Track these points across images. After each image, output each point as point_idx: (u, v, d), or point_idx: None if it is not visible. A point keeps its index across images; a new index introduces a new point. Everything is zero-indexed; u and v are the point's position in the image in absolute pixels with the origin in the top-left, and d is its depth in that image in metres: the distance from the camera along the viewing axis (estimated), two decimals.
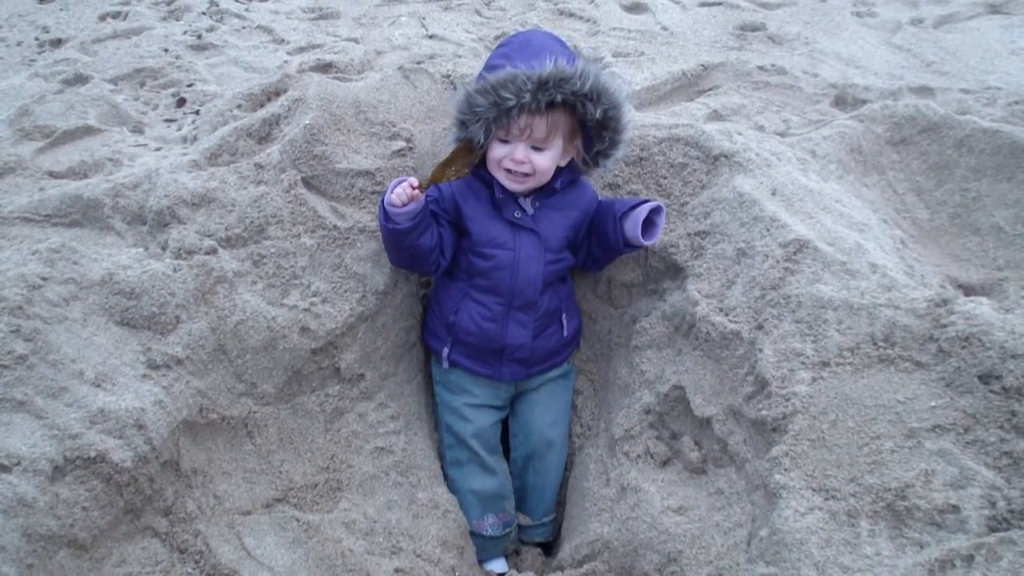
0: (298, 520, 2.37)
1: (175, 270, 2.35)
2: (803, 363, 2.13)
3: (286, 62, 4.07)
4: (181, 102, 3.67)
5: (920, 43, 4.52)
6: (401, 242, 2.53)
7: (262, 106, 3.06)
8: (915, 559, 1.74)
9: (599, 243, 2.72)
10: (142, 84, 3.90)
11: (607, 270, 2.89)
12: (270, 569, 2.23)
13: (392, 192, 2.43)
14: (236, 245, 2.52)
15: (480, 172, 2.61)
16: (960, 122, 2.94)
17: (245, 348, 2.42)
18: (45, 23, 4.53)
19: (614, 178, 2.85)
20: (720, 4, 5.02)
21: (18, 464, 1.85)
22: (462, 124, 2.47)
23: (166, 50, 4.20)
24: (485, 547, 2.81)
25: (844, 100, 3.66)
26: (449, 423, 2.82)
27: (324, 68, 3.85)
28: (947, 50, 4.42)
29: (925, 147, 2.97)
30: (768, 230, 2.43)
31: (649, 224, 2.59)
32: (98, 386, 2.07)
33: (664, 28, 4.61)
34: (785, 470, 1.98)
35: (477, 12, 4.84)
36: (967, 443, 1.87)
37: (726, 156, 2.70)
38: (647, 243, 2.59)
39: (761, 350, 2.23)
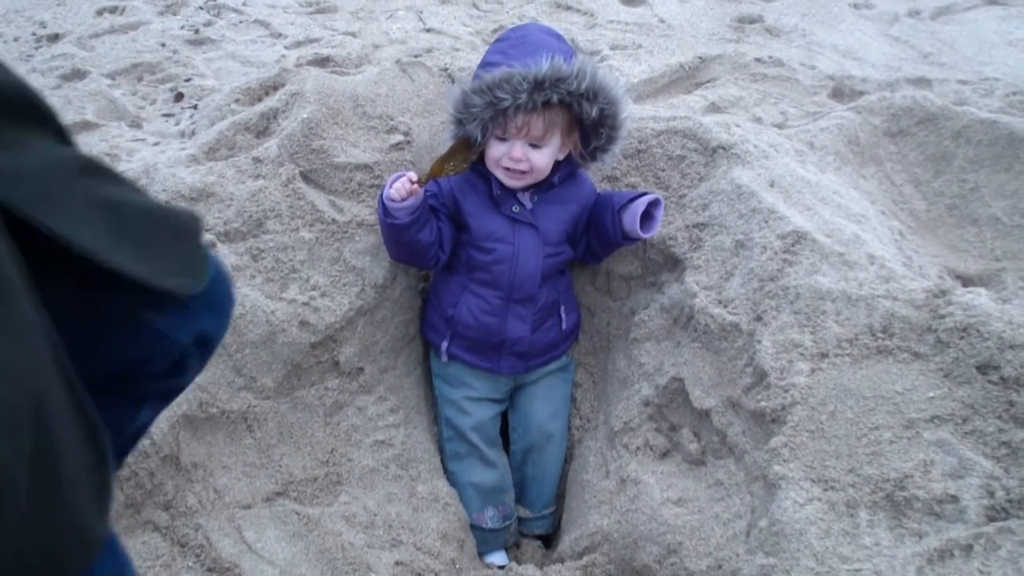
0: (298, 514, 2.37)
1: None
2: (802, 354, 2.13)
3: (284, 56, 4.07)
4: (179, 97, 3.67)
5: (917, 34, 4.52)
6: (400, 237, 2.53)
7: (260, 100, 3.06)
8: (914, 549, 1.75)
9: (597, 236, 2.72)
10: (140, 79, 3.90)
11: (606, 263, 2.89)
12: (270, 562, 2.23)
13: (391, 187, 2.43)
14: (235, 239, 2.52)
15: (478, 167, 2.61)
16: (957, 113, 2.95)
17: (244, 342, 2.42)
18: (42, 18, 4.53)
19: (612, 170, 2.86)
20: None
21: None
22: (459, 122, 2.47)
23: (163, 45, 4.20)
24: (485, 540, 2.82)
25: (841, 92, 3.66)
26: (448, 416, 2.83)
27: (322, 62, 3.85)
28: (944, 41, 4.41)
29: (923, 138, 2.97)
30: (766, 222, 2.43)
31: (647, 217, 2.59)
32: None
33: (661, 21, 4.61)
34: (784, 461, 1.99)
35: (474, 5, 4.83)
36: (965, 433, 1.88)
37: (724, 148, 2.71)
38: (645, 236, 2.59)
39: (760, 341, 2.23)
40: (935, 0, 4.96)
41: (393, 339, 2.81)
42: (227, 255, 2.47)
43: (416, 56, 3.40)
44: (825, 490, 1.90)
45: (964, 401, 1.91)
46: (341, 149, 2.73)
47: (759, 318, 2.29)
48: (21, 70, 3.81)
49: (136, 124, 3.38)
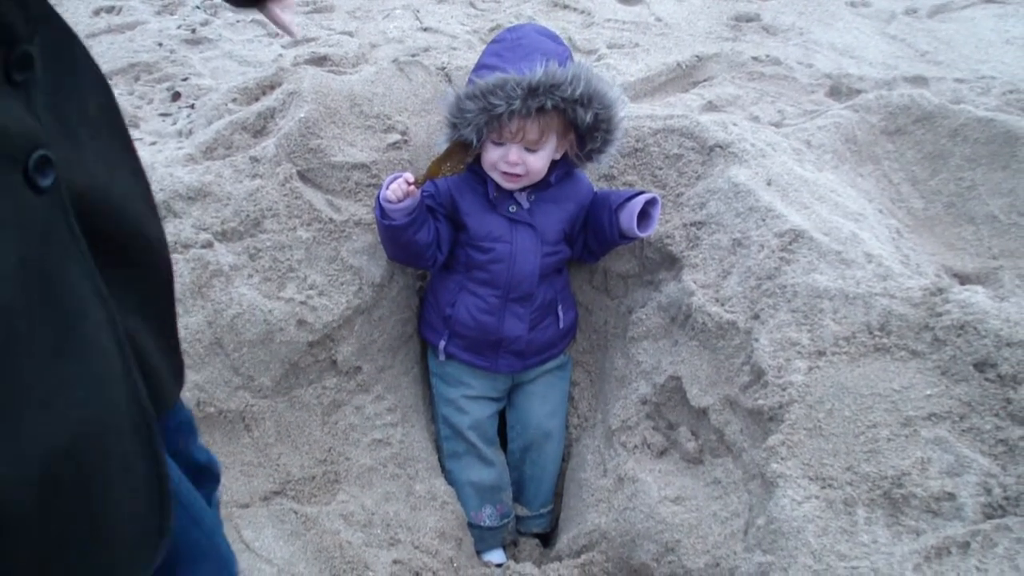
0: (296, 512, 2.37)
1: None
2: (799, 352, 2.13)
3: (281, 56, 4.06)
4: (176, 96, 3.66)
5: (914, 33, 4.52)
6: (398, 238, 2.53)
7: (257, 100, 3.05)
8: (911, 546, 1.75)
9: (595, 235, 2.72)
10: (137, 79, 3.90)
11: (603, 261, 2.89)
12: (268, 561, 2.24)
13: (387, 188, 2.43)
14: (232, 239, 2.52)
15: (475, 168, 2.61)
16: (954, 111, 2.95)
17: (242, 341, 2.42)
18: None
19: (609, 169, 2.86)
20: None
21: None
22: (453, 126, 2.47)
23: (160, 44, 4.19)
24: (483, 538, 2.82)
25: (839, 90, 3.66)
26: (446, 415, 2.83)
27: (319, 61, 3.84)
28: (941, 40, 4.42)
29: (920, 137, 2.97)
30: (763, 220, 2.43)
31: (644, 216, 2.59)
32: None
33: (658, 19, 4.61)
34: (782, 459, 1.99)
35: (471, 4, 4.83)
36: (963, 431, 1.88)
37: (721, 147, 2.71)
38: (642, 235, 2.59)
39: (757, 340, 2.23)
40: None
41: (391, 338, 2.81)
42: (224, 254, 2.47)
43: (413, 55, 3.40)
44: (823, 488, 1.91)
45: (961, 399, 1.91)
46: (338, 148, 2.73)
47: (756, 316, 2.29)
48: None
49: (133, 124, 3.38)
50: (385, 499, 2.59)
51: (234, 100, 3.08)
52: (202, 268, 2.39)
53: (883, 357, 2.05)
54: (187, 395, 2.25)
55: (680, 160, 2.77)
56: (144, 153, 2.82)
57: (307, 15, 4.73)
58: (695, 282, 2.50)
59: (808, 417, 2.02)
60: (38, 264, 0.73)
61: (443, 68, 3.20)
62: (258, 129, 2.82)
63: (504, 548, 2.91)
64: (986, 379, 1.91)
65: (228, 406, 2.40)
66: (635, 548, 2.35)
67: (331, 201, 2.70)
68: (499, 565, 2.75)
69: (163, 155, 2.71)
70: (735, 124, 2.85)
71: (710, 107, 3.44)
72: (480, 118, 2.38)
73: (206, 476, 1.44)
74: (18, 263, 0.71)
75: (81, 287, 0.78)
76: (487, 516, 2.81)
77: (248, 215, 2.54)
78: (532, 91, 2.34)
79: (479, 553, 2.82)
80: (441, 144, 2.55)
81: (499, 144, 2.49)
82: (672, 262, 2.68)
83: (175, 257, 2.36)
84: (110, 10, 4.64)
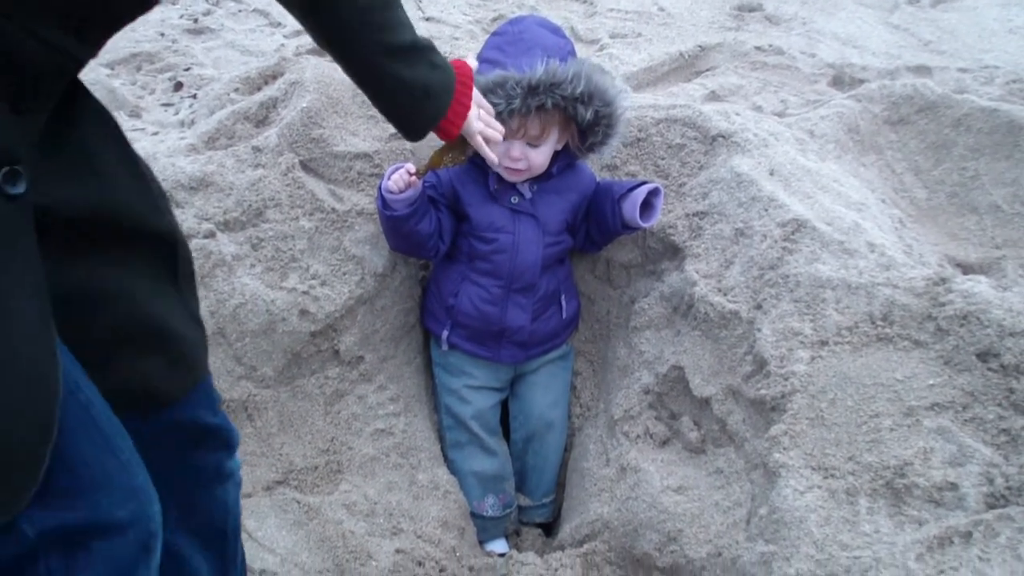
0: (299, 502, 2.38)
1: None
2: (802, 342, 2.13)
3: (283, 45, 4.06)
4: (178, 86, 3.66)
5: (917, 22, 4.51)
6: (400, 228, 2.53)
7: (259, 89, 3.05)
8: (914, 536, 1.75)
9: (597, 225, 2.72)
10: (139, 68, 3.89)
11: (605, 251, 2.89)
12: (271, 551, 2.24)
13: (389, 179, 2.43)
14: (234, 229, 2.52)
15: (476, 160, 2.60)
16: (958, 101, 2.94)
17: (244, 331, 2.42)
18: None
19: (612, 159, 2.85)
20: None
21: None
22: None
23: (162, 34, 4.19)
24: (485, 528, 2.83)
25: (842, 80, 3.66)
26: (448, 405, 2.83)
27: (321, 51, 3.84)
28: (944, 29, 4.40)
29: (923, 126, 2.97)
30: (766, 210, 2.43)
31: (647, 206, 2.59)
32: None
33: (661, 9, 4.60)
34: (784, 449, 1.99)
35: None
36: (965, 421, 1.88)
37: (724, 136, 2.70)
38: (645, 225, 2.59)
39: (760, 330, 2.23)
40: None
41: (393, 328, 2.81)
42: (227, 244, 2.47)
43: None
44: (825, 478, 1.91)
45: (964, 389, 1.91)
46: (341, 138, 2.73)
47: (759, 306, 2.29)
48: None
49: (135, 114, 3.38)
50: (388, 489, 2.59)
51: (236, 90, 3.08)
52: (204, 258, 2.39)
53: (886, 347, 2.05)
54: None
55: (683, 150, 2.77)
56: (146, 143, 2.82)
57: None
58: (697, 272, 2.50)
59: (810, 407, 2.02)
60: None
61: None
62: (260, 119, 2.82)
63: (507, 538, 2.91)
64: (989, 369, 1.91)
65: (230, 396, 2.40)
66: (637, 538, 2.36)
67: (333, 191, 2.70)
68: (502, 555, 2.76)
69: (165, 145, 2.71)
70: (738, 114, 2.85)
71: (713, 97, 3.44)
72: None
73: (213, 439, 1.48)
74: None
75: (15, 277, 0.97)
76: (489, 506, 2.81)
77: (250, 205, 2.54)
78: (532, 90, 2.34)
79: (481, 543, 2.82)
80: None
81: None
82: (675, 252, 2.68)
83: None
84: None
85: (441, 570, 2.48)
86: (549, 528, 2.98)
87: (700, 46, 3.94)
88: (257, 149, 2.63)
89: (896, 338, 2.05)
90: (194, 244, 2.39)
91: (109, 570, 1.09)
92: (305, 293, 2.52)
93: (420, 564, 2.45)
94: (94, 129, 1.22)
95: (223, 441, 1.51)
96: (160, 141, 2.85)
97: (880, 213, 2.59)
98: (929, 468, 1.82)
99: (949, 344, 1.98)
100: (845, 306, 2.14)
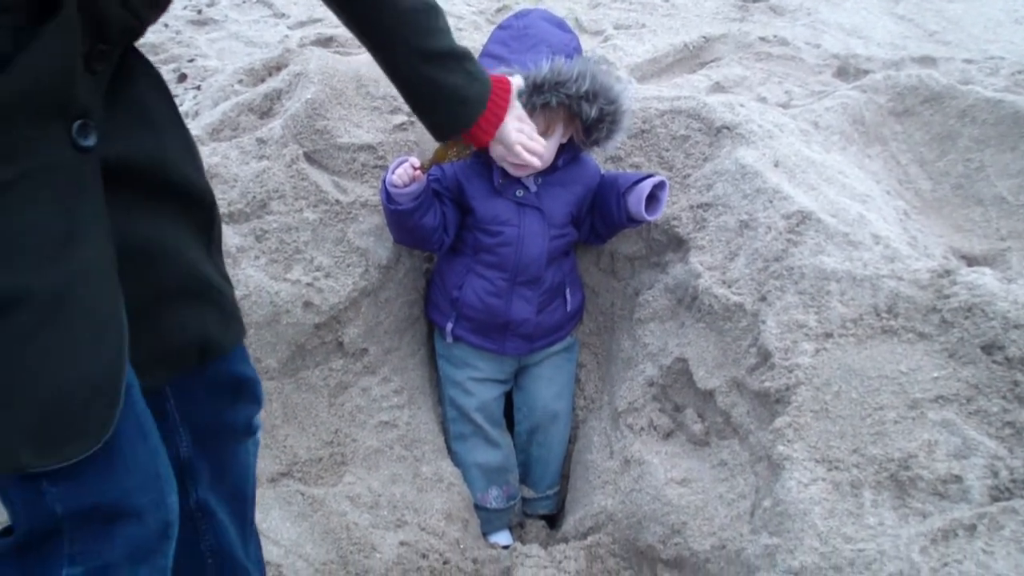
0: (303, 494, 2.38)
1: None
2: (806, 334, 2.13)
3: (287, 36, 4.05)
4: (182, 78, 3.66)
5: (923, 13, 4.50)
6: (404, 222, 2.52)
7: (263, 81, 3.05)
8: (918, 529, 1.75)
9: (602, 218, 2.71)
10: None
11: (610, 243, 2.88)
12: (276, 542, 2.24)
13: (393, 173, 2.43)
14: (239, 220, 2.52)
15: (481, 153, 2.60)
16: (963, 92, 2.93)
17: (248, 323, 2.42)
18: None
19: (616, 151, 2.84)
20: None
21: None
22: None
23: (166, 25, 4.19)
24: (489, 520, 2.83)
25: (846, 71, 3.65)
26: (453, 397, 2.83)
27: (325, 42, 3.83)
28: (950, 19, 4.39)
29: (928, 118, 2.96)
30: (771, 202, 2.43)
31: (652, 199, 2.59)
32: None
33: (665, 0, 4.59)
34: (788, 441, 1.99)
35: None
36: (970, 413, 1.88)
37: (728, 128, 2.70)
38: (650, 219, 2.58)
39: (764, 322, 2.23)
40: None
41: (397, 320, 2.81)
42: (231, 236, 2.47)
43: None
44: (829, 470, 1.91)
45: (969, 381, 1.91)
46: (345, 130, 2.73)
47: (763, 298, 2.29)
48: None
49: None
50: (392, 481, 2.59)
51: (240, 81, 3.08)
52: None
53: (890, 339, 2.05)
54: None
55: (687, 141, 2.76)
56: None
57: None
58: (702, 264, 2.50)
59: (815, 399, 2.02)
60: (64, 192, 0.99)
61: None
62: (264, 110, 2.82)
63: (510, 530, 2.91)
64: (993, 361, 1.90)
65: None
66: (641, 530, 2.36)
67: (337, 182, 2.70)
68: (505, 547, 2.76)
69: None
70: (742, 105, 2.84)
71: (717, 88, 3.43)
72: None
73: (249, 391, 1.55)
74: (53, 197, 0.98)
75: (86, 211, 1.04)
76: (493, 498, 2.81)
77: (255, 197, 2.54)
78: (537, 88, 2.34)
79: (485, 535, 2.83)
80: None
81: None
82: (679, 244, 2.67)
83: None
84: None
85: (445, 562, 2.49)
86: (553, 520, 2.98)
87: (704, 37, 3.93)
88: (261, 141, 2.63)
89: (901, 330, 2.05)
90: None
91: (128, 554, 1.12)
92: (309, 285, 2.52)
93: (424, 556, 2.45)
94: (148, 86, 1.29)
95: (254, 395, 1.59)
96: None
97: (885, 205, 2.59)
98: (933, 461, 1.82)
99: (954, 336, 1.97)
100: (850, 298, 2.14)
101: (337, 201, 2.63)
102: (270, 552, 2.22)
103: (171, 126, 1.33)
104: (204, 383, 1.45)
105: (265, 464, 2.42)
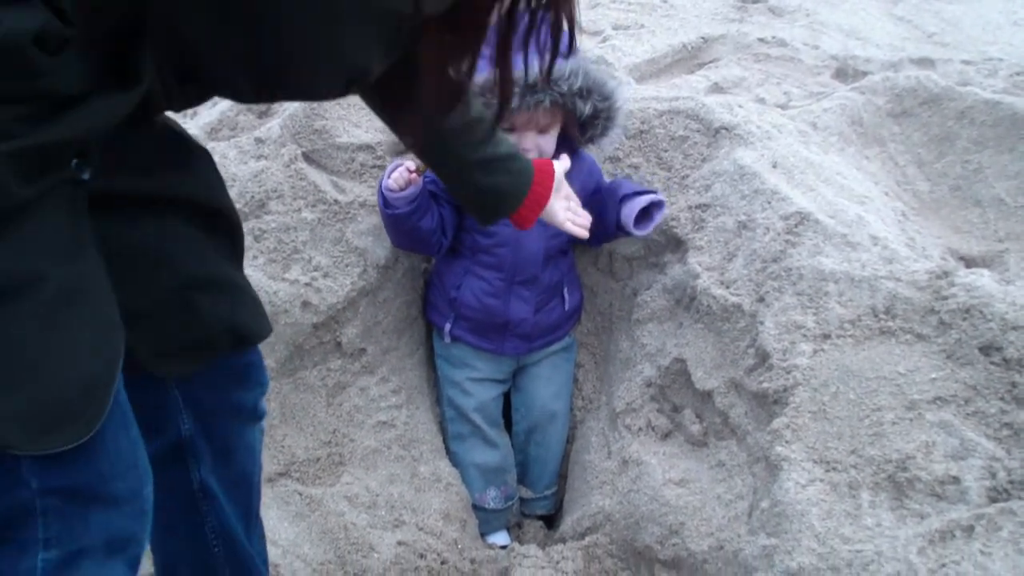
0: (301, 494, 2.38)
1: None
2: (804, 335, 2.13)
3: None
4: None
5: (921, 14, 4.50)
6: (401, 226, 2.52)
7: None
8: (916, 530, 1.75)
9: (597, 220, 2.71)
10: None
11: (609, 244, 2.88)
12: (273, 542, 2.24)
13: (389, 177, 2.43)
14: None
15: None
16: (961, 94, 2.93)
17: None
18: None
19: (615, 151, 2.84)
20: None
21: None
22: None
23: None
24: (487, 520, 2.83)
25: (845, 72, 3.65)
26: (451, 397, 2.83)
27: None
28: (948, 21, 4.39)
29: (926, 119, 2.96)
30: (769, 203, 2.43)
31: (645, 215, 2.59)
32: None
33: (664, 0, 4.58)
34: (786, 442, 1.99)
35: None
36: (968, 415, 1.88)
37: (727, 129, 2.70)
38: (638, 234, 2.59)
39: (762, 323, 2.23)
40: None
41: (395, 320, 2.81)
42: None
43: None
44: (827, 471, 1.91)
45: (966, 382, 1.91)
46: (343, 129, 2.73)
47: (762, 299, 2.29)
48: None
49: None
50: (390, 481, 2.59)
51: None
52: None
53: (888, 340, 2.05)
54: None
55: (685, 142, 2.76)
56: None
57: None
58: (700, 265, 2.50)
59: (813, 400, 2.02)
60: (72, 209, 1.00)
61: None
62: (263, 110, 2.82)
63: (508, 530, 2.91)
64: (991, 363, 1.91)
65: None
66: (639, 530, 2.36)
67: (336, 182, 2.70)
68: (503, 547, 2.76)
69: None
70: (741, 106, 2.84)
71: (716, 89, 3.43)
72: None
73: (256, 374, 1.59)
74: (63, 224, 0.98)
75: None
76: (491, 498, 2.81)
77: (253, 196, 2.53)
78: (530, 87, 2.35)
79: (483, 535, 2.83)
80: None
81: (510, 131, 2.48)
82: (677, 244, 2.67)
83: None
84: None
85: (443, 562, 2.49)
86: (551, 520, 2.98)
87: (703, 38, 3.93)
88: (259, 140, 2.63)
89: (899, 331, 2.05)
90: None
91: (105, 541, 1.12)
92: (307, 285, 2.52)
93: (422, 556, 2.45)
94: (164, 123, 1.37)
95: (259, 379, 1.61)
96: None
97: (883, 206, 2.59)
98: (931, 462, 1.82)
99: (952, 338, 1.98)
100: (848, 299, 2.14)
101: (335, 201, 2.63)
102: (268, 552, 2.21)
103: (194, 143, 1.42)
104: (218, 371, 1.49)
105: (263, 464, 2.42)
